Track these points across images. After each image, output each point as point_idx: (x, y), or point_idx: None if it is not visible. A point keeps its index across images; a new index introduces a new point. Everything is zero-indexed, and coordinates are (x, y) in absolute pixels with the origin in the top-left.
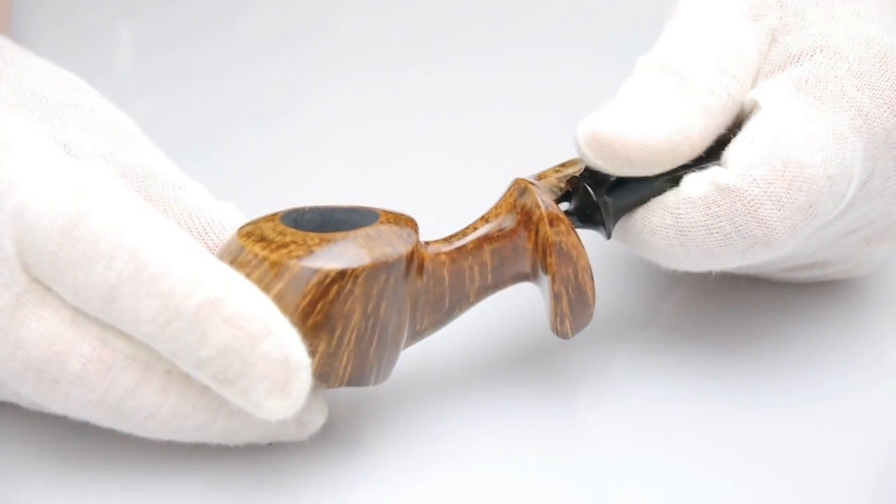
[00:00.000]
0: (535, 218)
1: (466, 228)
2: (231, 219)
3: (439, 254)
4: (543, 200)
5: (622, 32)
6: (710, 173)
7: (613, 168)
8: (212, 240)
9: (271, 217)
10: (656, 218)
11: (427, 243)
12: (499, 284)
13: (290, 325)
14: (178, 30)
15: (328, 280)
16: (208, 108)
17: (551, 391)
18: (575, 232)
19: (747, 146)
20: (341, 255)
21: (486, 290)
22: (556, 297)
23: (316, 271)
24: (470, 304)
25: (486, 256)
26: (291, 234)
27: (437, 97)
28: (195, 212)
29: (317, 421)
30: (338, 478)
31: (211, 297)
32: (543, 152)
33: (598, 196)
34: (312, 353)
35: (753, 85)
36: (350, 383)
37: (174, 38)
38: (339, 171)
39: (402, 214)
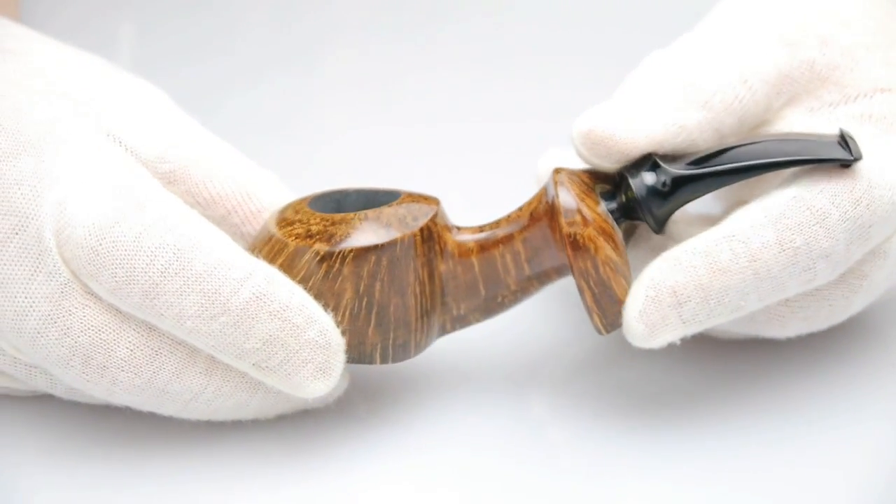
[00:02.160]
0: (555, 209)
1: (501, 218)
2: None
3: (467, 240)
4: (563, 191)
5: (645, 23)
6: (779, 188)
7: (611, 164)
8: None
9: (305, 198)
10: (724, 254)
11: (459, 229)
12: (542, 277)
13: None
14: (178, 28)
15: (317, 259)
16: (208, 107)
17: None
18: (597, 225)
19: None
20: (332, 235)
21: (529, 281)
22: (580, 291)
23: (307, 250)
24: (514, 294)
25: (518, 245)
26: (303, 213)
27: (455, 88)
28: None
29: (342, 386)
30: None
31: (257, 293)
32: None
33: (637, 188)
34: None
35: (779, 113)
36: (350, 360)
37: (174, 36)
38: (339, 166)
39: (427, 196)
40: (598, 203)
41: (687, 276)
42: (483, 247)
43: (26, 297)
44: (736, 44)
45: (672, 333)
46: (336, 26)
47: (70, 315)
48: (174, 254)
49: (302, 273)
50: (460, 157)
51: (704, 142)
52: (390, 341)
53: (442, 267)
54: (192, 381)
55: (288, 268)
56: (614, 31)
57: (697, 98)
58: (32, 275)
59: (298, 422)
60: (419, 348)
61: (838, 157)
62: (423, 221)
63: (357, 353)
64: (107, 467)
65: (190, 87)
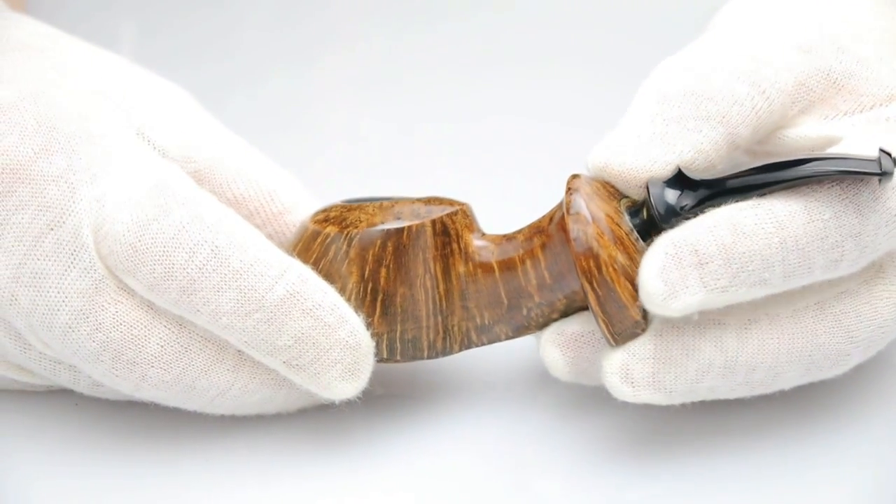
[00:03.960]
0: (563, 209)
1: (525, 226)
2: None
3: (488, 245)
4: (574, 195)
5: (659, 22)
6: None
7: (633, 194)
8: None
9: (350, 200)
10: (749, 219)
11: (483, 235)
12: (564, 287)
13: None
14: (178, 26)
15: (327, 240)
16: (209, 105)
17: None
18: (604, 225)
19: (839, 151)
20: (344, 219)
21: (553, 293)
22: (585, 294)
23: (320, 233)
24: (540, 307)
25: (538, 252)
26: (332, 205)
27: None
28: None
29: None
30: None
31: (291, 291)
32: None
33: (655, 200)
34: None
35: (794, 120)
36: None
37: (174, 34)
38: (341, 164)
39: (456, 200)
40: (620, 214)
41: (710, 236)
42: (504, 251)
43: (59, 292)
44: (751, 51)
45: (693, 297)
46: (344, 21)
47: (102, 311)
48: (212, 251)
49: (314, 255)
50: (488, 159)
51: (721, 159)
52: (397, 333)
53: (461, 268)
54: (220, 378)
55: (304, 250)
56: (634, 26)
57: (714, 114)
58: (66, 270)
59: (295, 424)
60: (434, 350)
61: (869, 171)
62: (437, 215)
63: None
64: (108, 464)
65: (190, 87)
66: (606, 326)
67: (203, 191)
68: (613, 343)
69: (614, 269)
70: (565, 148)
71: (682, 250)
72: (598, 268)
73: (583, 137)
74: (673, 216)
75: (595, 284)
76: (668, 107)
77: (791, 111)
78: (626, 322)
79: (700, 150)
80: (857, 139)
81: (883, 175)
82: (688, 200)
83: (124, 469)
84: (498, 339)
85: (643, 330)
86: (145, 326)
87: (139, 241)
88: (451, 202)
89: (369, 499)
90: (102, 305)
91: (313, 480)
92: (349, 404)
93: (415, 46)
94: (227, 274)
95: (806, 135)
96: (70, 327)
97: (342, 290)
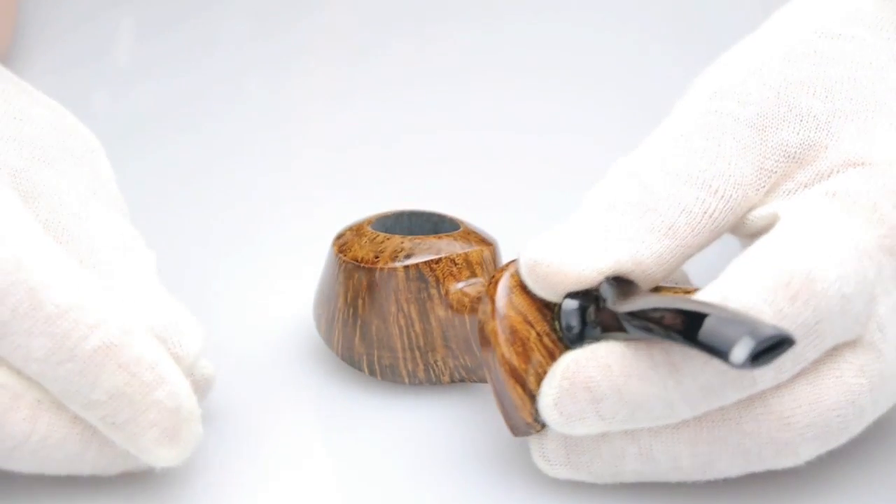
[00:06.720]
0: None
1: None
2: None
3: (466, 296)
4: (502, 279)
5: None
6: (713, 285)
7: (556, 299)
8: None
9: (395, 212)
10: (643, 361)
11: (471, 283)
12: None
13: (183, 375)
14: (177, 22)
15: (331, 260)
16: (210, 103)
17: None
18: (508, 323)
19: (752, 255)
20: (344, 244)
21: None
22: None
23: (331, 251)
24: None
25: None
26: (359, 225)
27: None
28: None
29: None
30: None
31: (107, 342)
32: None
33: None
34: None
35: (762, 203)
36: (344, 359)
37: (174, 31)
38: (341, 163)
39: (483, 237)
40: (545, 311)
41: (602, 375)
42: (474, 307)
43: None
44: (701, 144)
45: (592, 427)
46: (346, 26)
47: None
48: (26, 292)
49: (329, 272)
50: (481, 169)
51: (671, 269)
52: (375, 357)
53: (440, 312)
54: (13, 428)
55: (326, 266)
56: (632, 33)
57: (659, 226)
58: None
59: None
60: (417, 379)
61: (718, 349)
62: (416, 261)
63: (349, 357)
64: None
65: (190, 86)
66: (504, 418)
67: (28, 218)
68: (512, 435)
69: (506, 372)
70: (563, 156)
71: (575, 385)
72: (494, 363)
73: (578, 147)
74: (578, 340)
75: (491, 377)
76: (612, 214)
77: (756, 198)
78: (519, 420)
79: (639, 262)
80: (790, 221)
81: (728, 362)
82: (594, 323)
83: None
84: (486, 381)
85: (537, 431)
86: None
87: None
88: (480, 239)
89: None
90: None
91: None
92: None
93: (407, 53)
94: (39, 318)
95: (761, 215)
96: None
97: (335, 307)
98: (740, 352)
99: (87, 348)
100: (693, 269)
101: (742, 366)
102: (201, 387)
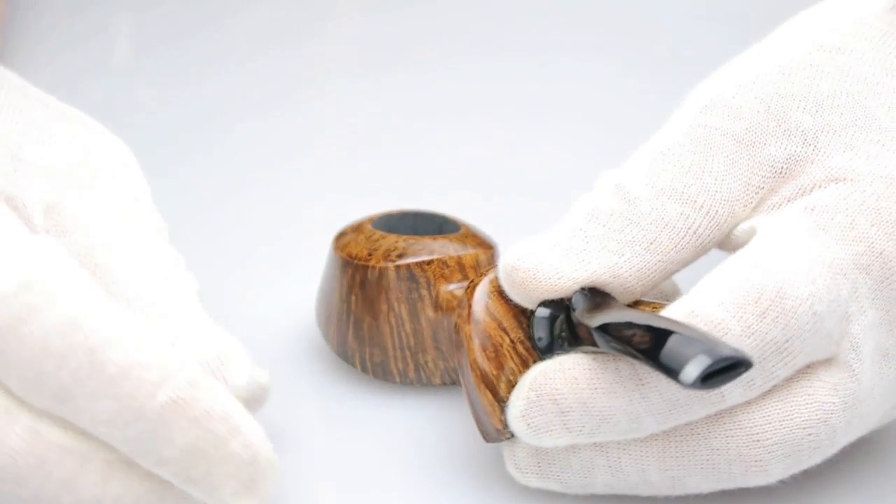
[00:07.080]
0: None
1: None
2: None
3: (455, 297)
4: (480, 283)
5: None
6: (683, 299)
7: (530, 305)
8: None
9: (399, 212)
10: (609, 374)
11: (463, 284)
12: None
13: (256, 422)
14: (178, 23)
15: (331, 259)
16: (209, 102)
17: None
18: (482, 328)
19: (724, 269)
20: (343, 239)
21: None
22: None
23: (331, 249)
24: None
25: None
26: (360, 224)
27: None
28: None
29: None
30: None
31: (174, 398)
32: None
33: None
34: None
35: (748, 218)
36: (339, 354)
37: (174, 31)
38: (341, 164)
39: (483, 240)
40: (522, 318)
41: (568, 387)
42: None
43: None
44: (688, 159)
45: (560, 440)
46: (353, 29)
47: None
48: (86, 354)
49: (328, 267)
50: (481, 167)
51: (652, 284)
52: (367, 354)
53: (430, 313)
54: (85, 492)
55: (327, 262)
56: (633, 35)
57: (640, 240)
58: None
59: None
60: (407, 379)
61: (671, 368)
62: (408, 261)
63: (343, 353)
64: None
65: (192, 87)
66: (475, 423)
67: (76, 270)
68: (484, 440)
69: (477, 377)
70: (577, 163)
71: (542, 397)
72: (465, 367)
73: (593, 154)
74: (548, 350)
75: (463, 380)
76: (593, 225)
77: (744, 213)
78: (489, 427)
79: (616, 275)
80: (765, 235)
81: (678, 381)
82: (564, 335)
83: None
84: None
85: (507, 438)
86: None
87: (6, 345)
88: (479, 242)
89: None
90: None
91: None
92: None
93: (417, 59)
94: (101, 381)
95: (744, 229)
96: None
97: (332, 302)
98: (692, 371)
99: (154, 407)
100: (688, 280)
101: (692, 385)
102: (257, 397)
